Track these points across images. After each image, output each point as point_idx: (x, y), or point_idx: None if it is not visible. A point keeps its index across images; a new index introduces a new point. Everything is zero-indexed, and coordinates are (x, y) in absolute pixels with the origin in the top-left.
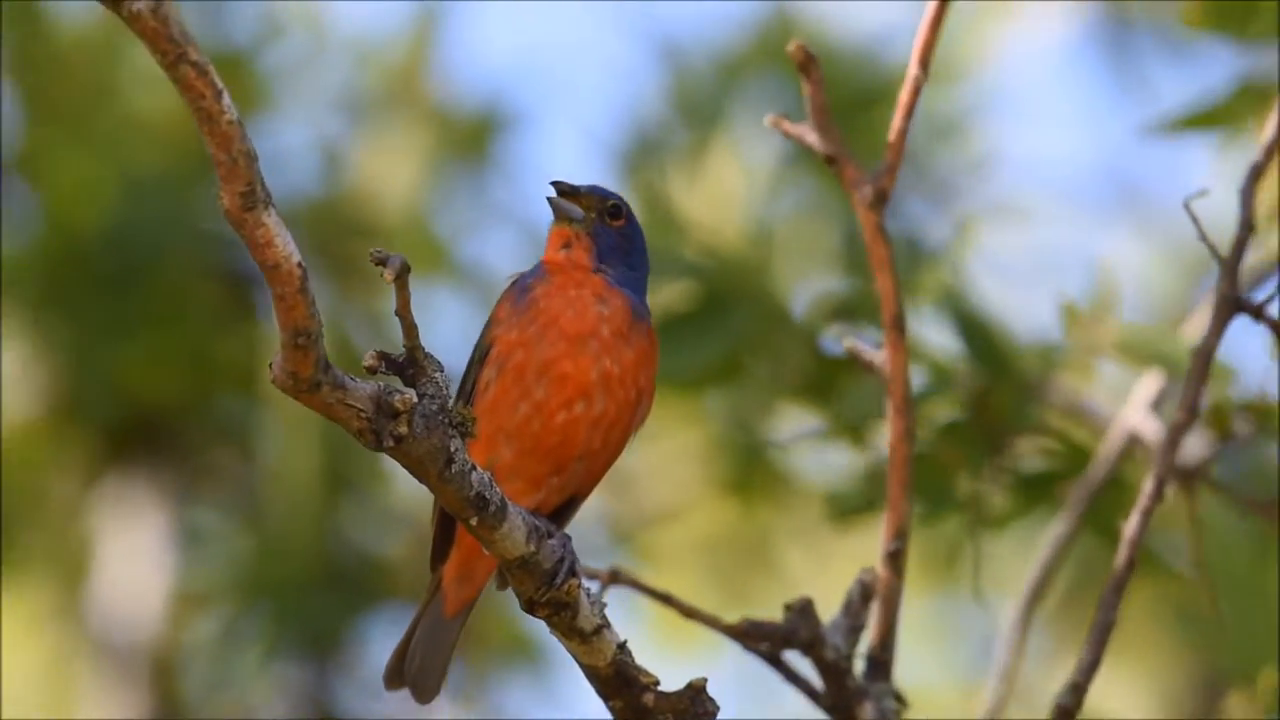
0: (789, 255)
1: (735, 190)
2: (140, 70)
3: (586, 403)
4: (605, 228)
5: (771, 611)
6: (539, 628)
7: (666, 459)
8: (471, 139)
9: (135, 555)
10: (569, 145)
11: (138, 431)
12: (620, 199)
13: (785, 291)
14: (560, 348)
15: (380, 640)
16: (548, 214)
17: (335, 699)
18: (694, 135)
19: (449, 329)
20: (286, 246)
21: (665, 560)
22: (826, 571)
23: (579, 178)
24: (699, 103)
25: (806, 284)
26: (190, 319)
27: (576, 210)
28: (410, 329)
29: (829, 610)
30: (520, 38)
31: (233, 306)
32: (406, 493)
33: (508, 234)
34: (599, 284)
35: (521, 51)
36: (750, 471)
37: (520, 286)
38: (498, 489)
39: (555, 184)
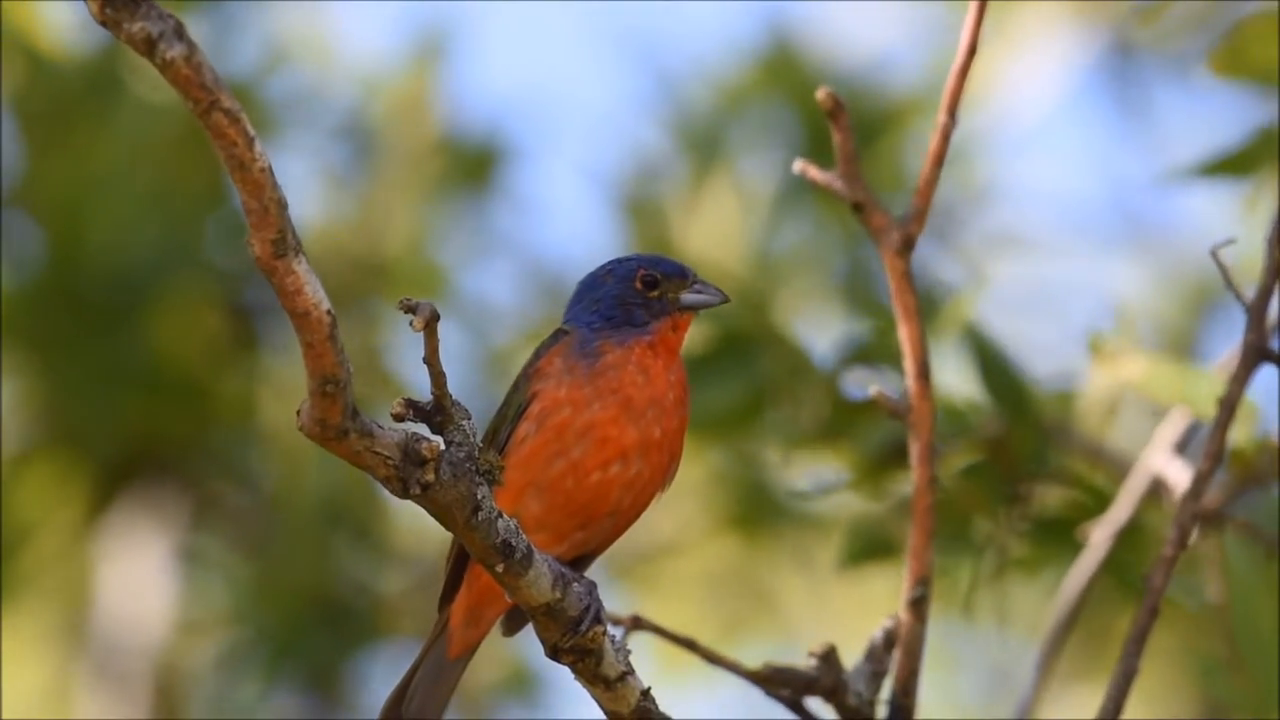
0: (791, 286)
1: (735, 220)
2: (140, 101)
3: (623, 464)
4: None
5: (768, 642)
6: (535, 656)
7: (669, 492)
8: (474, 169)
9: (137, 581)
10: (570, 175)
11: (140, 462)
12: None
13: (789, 322)
14: (611, 412)
15: (379, 676)
16: (549, 248)
17: None
18: (694, 165)
19: (448, 358)
20: (316, 294)
21: (664, 591)
22: (824, 605)
23: (580, 211)
24: (699, 132)
25: (808, 314)
26: (191, 351)
27: (718, 298)
28: (438, 377)
29: (823, 639)
30: (523, 67)
31: (233, 338)
32: (408, 529)
33: (508, 264)
34: (674, 360)
35: (524, 81)
36: (752, 505)
37: (583, 346)
38: (524, 536)
39: (694, 277)
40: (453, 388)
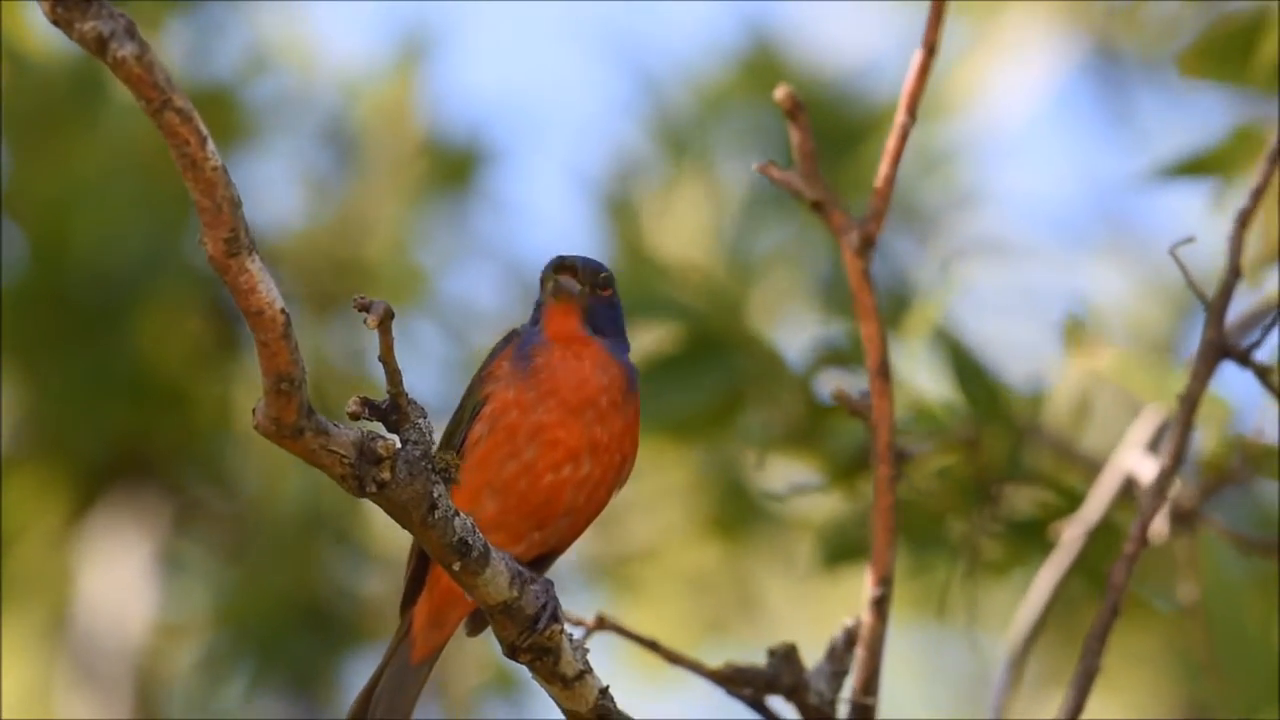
0: (768, 288)
1: (713, 222)
2: (123, 104)
3: (574, 465)
4: (596, 298)
5: (751, 645)
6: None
7: (650, 495)
8: (455, 172)
9: (119, 584)
10: (551, 178)
11: (122, 466)
12: (608, 270)
13: (765, 325)
14: (556, 415)
15: (361, 679)
16: (530, 251)
17: None
18: (674, 167)
19: (429, 361)
20: (270, 293)
21: (646, 595)
22: (807, 607)
23: (561, 214)
24: (679, 134)
25: (786, 318)
26: (173, 355)
27: (574, 285)
28: (394, 375)
29: (811, 649)
30: (504, 70)
31: (215, 342)
32: (389, 532)
33: (490, 267)
34: (600, 354)
35: (506, 84)
36: (733, 508)
37: (521, 351)
38: (480, 535)
39: (558, 264)
40: (434, 390)
